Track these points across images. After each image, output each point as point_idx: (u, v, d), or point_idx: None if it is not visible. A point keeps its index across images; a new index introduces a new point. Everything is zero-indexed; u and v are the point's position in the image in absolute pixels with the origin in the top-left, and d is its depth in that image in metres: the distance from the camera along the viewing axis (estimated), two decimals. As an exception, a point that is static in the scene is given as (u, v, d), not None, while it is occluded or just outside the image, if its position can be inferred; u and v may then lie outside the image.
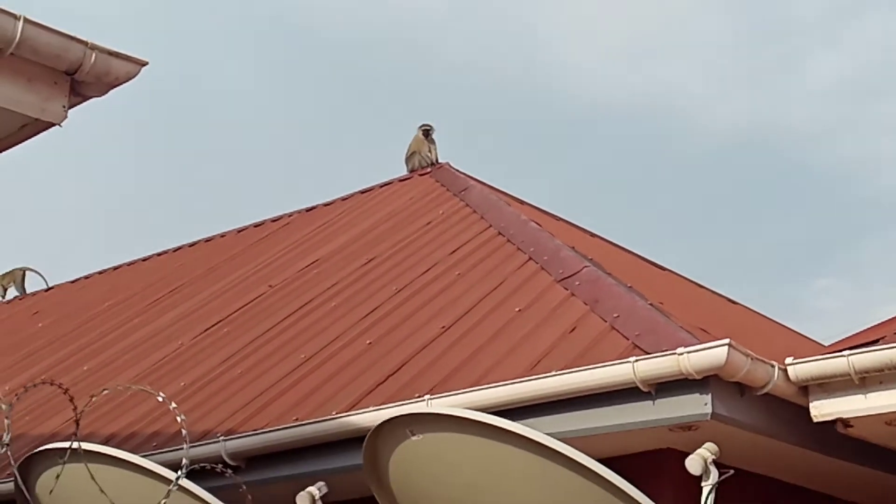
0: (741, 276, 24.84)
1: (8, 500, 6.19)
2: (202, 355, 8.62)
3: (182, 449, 6.49)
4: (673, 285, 10.34)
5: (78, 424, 3.40)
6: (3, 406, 3.09)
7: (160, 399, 3.39)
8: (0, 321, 13.45)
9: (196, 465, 4.51)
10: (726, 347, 5.22)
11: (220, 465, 5.12)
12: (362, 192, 12.17)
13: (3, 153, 4.81)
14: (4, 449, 3.04)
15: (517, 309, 7.04)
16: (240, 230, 12.96)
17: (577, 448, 5.79)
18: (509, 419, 5.74)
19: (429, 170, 11.73)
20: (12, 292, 15.01)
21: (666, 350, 5.43)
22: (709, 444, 4.61)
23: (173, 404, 3.37)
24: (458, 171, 11.30)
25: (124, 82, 4.73)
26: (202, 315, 9.81)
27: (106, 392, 3.57)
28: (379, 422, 4.94)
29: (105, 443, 6.65)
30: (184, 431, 3.37)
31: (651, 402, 5.49)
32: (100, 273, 13.95)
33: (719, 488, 5.86)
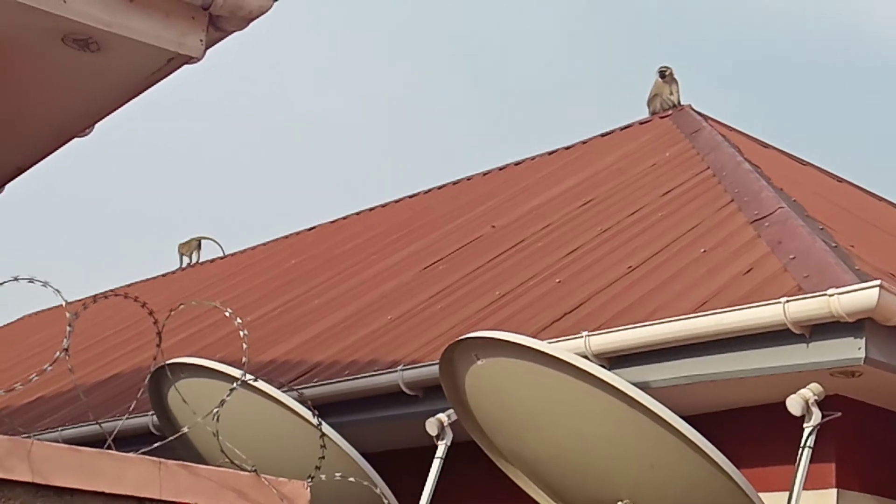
0: None
1: (140, 434, 6.51)
2: (413, 292, 8.83)
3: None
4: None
5: (160, 338, 3.56)
6: (68, 314, 3.28)
7: (227, 315, 3.51)
8: (259, 260, 14.16)
9: (262, 378, 4.64)
10: (877, 289, 4.92)
11: (309, 402, 5.21)
12: (602, 135, 12.09)
13: (149, 91, 5.05)
14: (62, 353, 3.24)
15: (702, 250, 6.86)
16: (485, 174, 13.13)
17: (737, 393, 5.69)
18: (663, 359, 5.70)
19: (670, 112, 11.51)
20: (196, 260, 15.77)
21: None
22: (813, 385, 4.38)
23: (238, 319, 3.48)
24: (698, 112, 11.05)
25: (258, 16, 4.86)
26: (427, 254, 10.03)
27: (182, 307, 3.73)
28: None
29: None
30: (244, 346, 3.48)
31: (805, 346, 5.26)
32: (357, 214, 14.44)
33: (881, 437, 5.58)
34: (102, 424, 6.79)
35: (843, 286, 5.09)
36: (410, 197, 13.88)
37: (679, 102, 11.61)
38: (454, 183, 13.42)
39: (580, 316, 6.57)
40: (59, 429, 8.66)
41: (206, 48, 4.88)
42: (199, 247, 15.86)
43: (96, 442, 4.12)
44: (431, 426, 5.04)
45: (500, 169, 12.87)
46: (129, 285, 16.03)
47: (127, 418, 6.71)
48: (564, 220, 9.10)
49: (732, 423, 5.76)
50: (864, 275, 5.41)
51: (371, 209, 14.25)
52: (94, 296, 3.39)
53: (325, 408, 6.67)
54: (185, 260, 16.02)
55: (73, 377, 4.78)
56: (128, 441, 6.10)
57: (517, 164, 12.73)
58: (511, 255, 8.71)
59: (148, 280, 16.34)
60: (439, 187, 13.60)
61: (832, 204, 8.76)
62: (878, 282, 4.94)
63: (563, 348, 5.33)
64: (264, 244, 15.18)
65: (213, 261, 15.94)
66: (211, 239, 15.93)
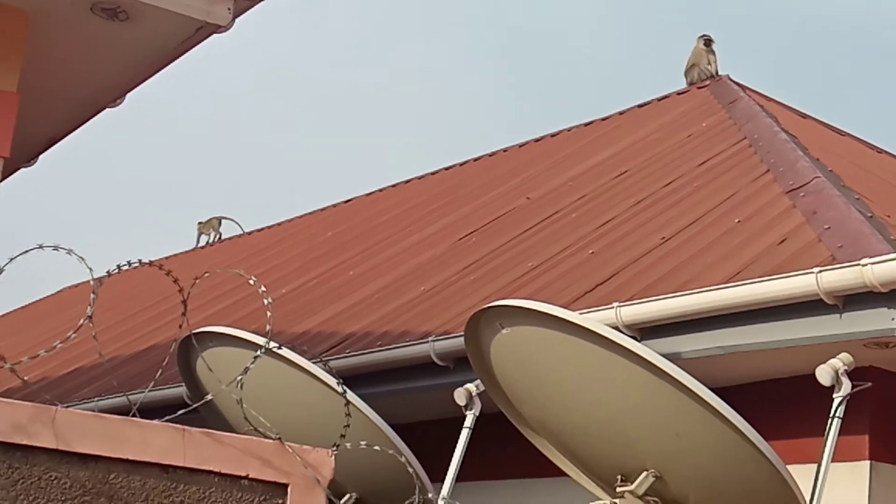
0: None
1: (174, 405, 6.52)
2: (447, 263, 8.82)
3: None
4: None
5: (186, 306, 3.56)
6: (92, 282, 3.28)
7: (251, 283, 3.51)
8: (295, 232, 14.19)
9: (287, 346, 4.64)
10: (911, 259, 4.85)
11: (334, 371, 5.20)
12: (640, 105, 12.02)
13: (179, 59, 5.05)
14: (85, 320, 3.24)
15: (737, 220, 6.80)
16: (521, 145, 13.08)
17: (769, 364, 5.65)
18: (695, 330, 5.66)
19: (707, 83, 11.42)
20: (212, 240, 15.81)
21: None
22: (843, 355, 4.31)
23: (262, 288, 3.47)
24: (736, 82, 10.96)
25: (285, -15, 4.86)
26: (461, 225, 10.01)
27: (207, 275, 3.73)
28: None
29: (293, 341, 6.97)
30: (268, 314, 3.48)
31: (838, 316, 5.20)
32: (393, 186, 14.44)
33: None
34: (135, 395, 6.84)
35: (877, 256, 5.03)
36: (447, 169, 13.86)
37: (717, 73, 11.51)
38: (490, 155, 13.39)
39: (613, 287, 6.54)
40: (95, 399, 8.73)
41: (235, 17, 4.88)
42: (219, 225, 15.94)
43: (130, 412, 4.15)
44: (460, 396, 5.03)
45: (537, 141, 12.83)
46: (157, 260, 16.09)
47: (154, 389, 6.75)
48: (599, 191, 9.05)
49: (764, 395, 5.72)
50: (899, 245, 5.35)
51: (407, 181, 14.24)
52: (119, 265, 3.37)
53: (356, 379, 6.68)
54: (204, 238, 16.08)
55: (97, 345, 4.81)
56: (162, 411, 6.13)
57: (553, 135, 12.68)
58: (545, 227, 8.67)
59: (177, 255, 16.40)
60: (475, 159, 13.57)
61: (870, 174, 8.65)
62: (912, 251, 4.88)
63: (594, 319, 5.30)
64: (300, 217, 15.21)
65: (234, 237, 15.97)
66: (230, 219, 15.99)
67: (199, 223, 16.16)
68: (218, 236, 15.94)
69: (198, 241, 16.14)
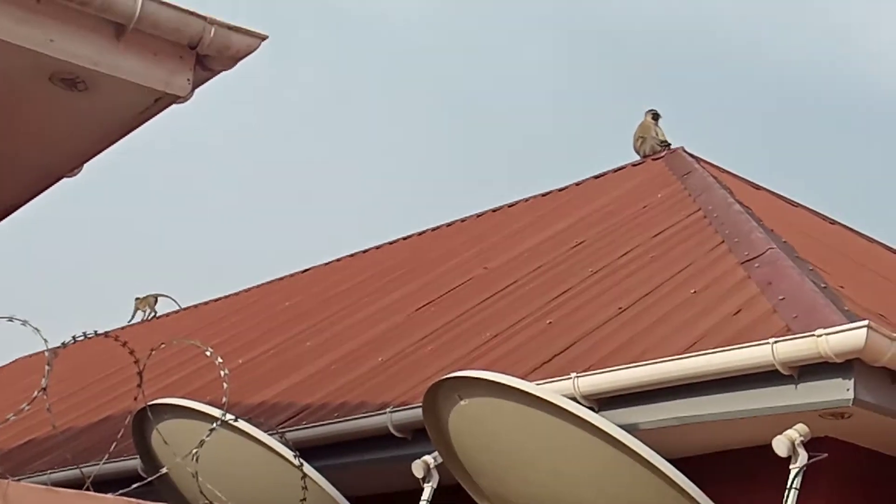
0: None
1: (129, 478, 6.46)
2: (405, 333, 8.81)
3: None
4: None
5: (142, 377, 3.55)
6: (47, 353, 3.26)
7: (208, 354, 3.50)
8: (253, 302, 14.14)
9: (244, 418, 4.61)
10: (865, 329, 4.90)
11: (290, 443, 5.17)
12: (595, 177, 12.11)
13: (137, 130, 5.06)
14: (39, 392, 3.21)
15: (692, 291, 6.84)
16: (478, 215, 13.13)
17: (726, 435, 5.66)
18: (652, 401, 5.67)
19: (663, 154, 11.54)
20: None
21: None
22: (799, 426, 4.35)
23: (219, 359, 3.46)
24: (690, 154, 11.08)
25: (245, 56, 4.89)
26: (419, 295, 10.01)
27: (163, 346, 3.72)
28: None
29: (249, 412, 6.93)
30: (225, 385, 3.47)
31: (794, 387, 5.23)
32: (350, 256, 14.43)
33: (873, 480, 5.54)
34: (88, 468, 6.75)
35: (832, 327, 5.07)
36: (404, 239, 13.88)
37: (667, 143, 11.65)
38: (448, 225, 13.43)
39: (570, 357, 6.54)
40: (49, 472, 8.60)
41: (194, 88, 4.89)
42: (155, 302, 16.21)
43: (84, 486, 4.09)
44: (417, 468, 5.00)
45: (494, 211, 12.88)
46: (112, 331, 16.09)
47: (109, 461, 6.66)
48: (556, 261, 9.09)
49: (721, 465, 5.73)
50: (852, 315, 5.39)
51: (365, 251, 14.24)
52: (74, 336, 3.36)
53: (313, 451, 6.62)
54: (139, 315, 16.28)
55: (51, 416, 4.78)
56: (116, 485, 6.05)
57: (511, 205, 12.74)
58: (503, 297, 8.69)
59: (132, 325, 16.37)
60: (433, 229, 13.60)
61: (823, 245, 8.76)
62: (866, 322, 4.93)
63: (551, 389, 5.31)
64: (258, 286, 15.17)
65: (170, 314, 16.15)
66: (167, 296, 16.32)
67: (137, 299, 16.40)
68: (154, 313, 16.17)
69: (133, 316, 16.32)
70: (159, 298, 16.34)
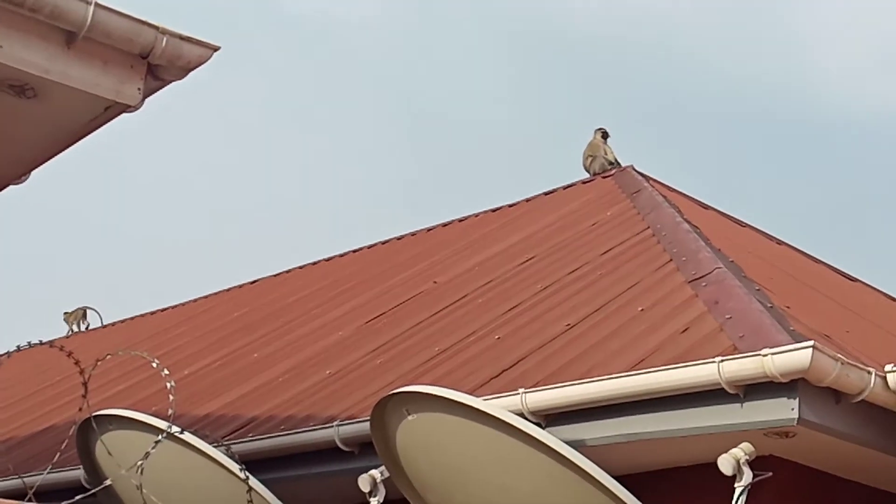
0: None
1: (72, 489, 6.41)
2: (353, 346, 8.79)
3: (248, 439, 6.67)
4: (850, 294, 9.85)
5: (86, 388, 3.51)
6: (-8, 362, 3.22)
7: (154, 365, 3.48)
8: (201, 312, 14.05)
9: (189, 430, 4.59)
10: (811, 349, 4.96)
11: (236, 456, 5.12)
12: (546, 193, 12.16)
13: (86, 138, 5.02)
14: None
15: (640, 309, 6.89)
16: (429, 229, 13.14)
17: (673, 452, 5.70)
18: (599, 418, 5.69)
19: (613, 172, 11.61)
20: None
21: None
22: (744, 445, 4.40)
23: (165, 371, 3.44)
24: (640, 173, 11.15)
25: (197, 66, 4.87)
26: (368, 308, 9.99)
27: (108, 356, 3.69)
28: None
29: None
30: (171, 397, 3.44)
31: (739, 406, 5.28)
32: (300, 267, 14.38)
33: (816, 498, 5.59)
34: (31, 478, 6.68)
35: (777, 346, 5.12)
36: (354, 252, 13.86)
37: (617, 162, 11.72)
38: (398, 238, 13.42)
39: (518, 373, 6.56)
40: (-11, 482, 8.49)
41: (145, 97, 4.87)
42: (84, 316, 16.20)
43: (26, 496, 4.05)
44: (364, 482, 5.00)
45: (444, 225, 12.89)
46: (57, 340, 16.00)
47: (53, 472, 6.58)
48: (506, 276, 9.12)
49: (667, 483, 5.76)
50: (798, 335, 5.45)
51: (315, 263, 14.20)
52: (18, 345, 3.32)
53: (259, 463, 6.59)
54: (74, 327, 16.27)
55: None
56: (59, 495, 5.98)
57: (461, 220, 12.76)
58: (452, 311, 8.70)
59: (77, 334, 16.26)
60: (383, 242, 13.59)
61: (770, 265, 8.85)
62: (811, 342, 4.98)
63: (499, 405, 5.32)
64: (206, 297, 15.07)
65: (115, 324, 16.10)
66: (93, 309, 16.38)
67: (66, 313, 16.37)
68: (86, 325, 16.17)
69: (70, 331, 16.27)
70: (87, 311, 16.33)
